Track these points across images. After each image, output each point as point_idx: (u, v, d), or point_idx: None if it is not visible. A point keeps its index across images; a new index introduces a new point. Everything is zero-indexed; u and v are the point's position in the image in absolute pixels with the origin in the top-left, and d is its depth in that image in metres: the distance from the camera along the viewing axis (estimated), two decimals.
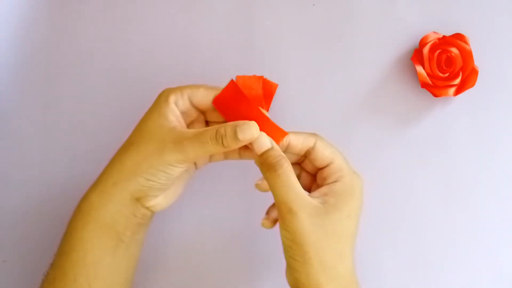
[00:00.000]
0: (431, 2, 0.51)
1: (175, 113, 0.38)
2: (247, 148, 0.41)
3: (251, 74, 0.50)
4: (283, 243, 0.36)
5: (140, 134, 0.38)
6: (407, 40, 0.51)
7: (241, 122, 0.37)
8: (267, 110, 0.49)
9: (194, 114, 0.41)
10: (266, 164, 0.36)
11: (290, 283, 0.37)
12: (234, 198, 0.49)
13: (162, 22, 0.52)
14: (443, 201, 0.48)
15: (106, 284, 0.38)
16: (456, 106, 0.50)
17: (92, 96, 0.51)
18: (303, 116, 0.50)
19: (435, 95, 0.48)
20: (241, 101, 0.39)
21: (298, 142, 0.39)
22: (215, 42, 0.51)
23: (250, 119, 0.37)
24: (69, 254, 0.37)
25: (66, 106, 0.51)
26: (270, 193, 0.38)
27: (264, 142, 0.37)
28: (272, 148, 0.37)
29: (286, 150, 0.39)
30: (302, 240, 0.34)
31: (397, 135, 0.49)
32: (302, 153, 0.40)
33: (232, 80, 0.39)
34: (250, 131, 0.36)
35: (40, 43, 0.52)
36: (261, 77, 0.50)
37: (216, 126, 0.37)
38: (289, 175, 0.36)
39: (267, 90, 0.50)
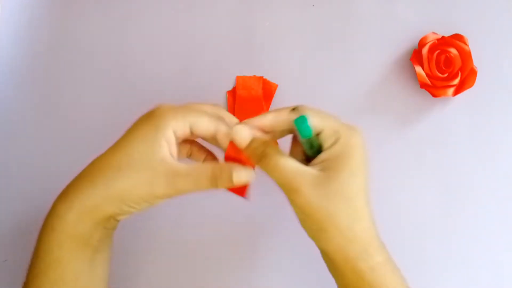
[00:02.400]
0: (430, 3, 0.51)
1: (170, 141, 0.36)
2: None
3: (251, 74, 0.50)
4: (297, 217, 0.37)
5: (128, 158, 0.35)
6: (406, 41, 0.51)
7: (237, 167, 0.36)
8: (267, 110, 0.50)
9: (184, 139, 0.38)
10: (253, 157, 0.35)
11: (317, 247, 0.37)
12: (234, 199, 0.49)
13: (162, 23, 0.52)
14: (442, 200, 0.48)
15: None
16: (455, 106, 0.50)
17: (92, 96, 0.51)
18: None
19: (434, 95, 0.48)
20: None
21: (278, 123, 0.36)
22: (215, 42, 0.51)
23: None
24: (46, 274, 0.36)
25: (66, 106, 0.51)
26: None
27: (244, 135, 0.35)
28: (253, 140, 0.35)
29: (270, 132, 0.37)
30: (312, 211, 0.34)
31: (396, 135, 0.50)
32: (287, 133, 0.38)
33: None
34: (245, 177, 0.36)
35: (41, 43, 0.52)
36: (261, 78, 0.50)
37: (211, 166, 0.35)
38: (277, 159, 0.34)
39: (267, 90, 0.50)
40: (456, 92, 0.49)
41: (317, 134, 0.36)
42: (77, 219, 0.36)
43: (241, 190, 0.38)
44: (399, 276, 0.36)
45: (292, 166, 0.35)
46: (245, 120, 0.37)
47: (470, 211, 0.48)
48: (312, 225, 0.35)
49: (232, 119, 0.39)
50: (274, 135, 0.37)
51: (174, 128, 0.35)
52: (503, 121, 0.49)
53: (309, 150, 0.37)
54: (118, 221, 0.39)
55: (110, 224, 0.38)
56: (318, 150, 0.36)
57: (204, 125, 0.36)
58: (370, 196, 0.36)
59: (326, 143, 0.36)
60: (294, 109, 0.34)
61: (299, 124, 0.33)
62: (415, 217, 0.48)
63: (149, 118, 0.36)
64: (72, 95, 0.51)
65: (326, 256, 0.36)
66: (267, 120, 0.36)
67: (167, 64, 0.51)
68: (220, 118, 0.38)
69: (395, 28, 0.51)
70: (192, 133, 0.37)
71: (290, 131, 0.37)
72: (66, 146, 0.50)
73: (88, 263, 0.37)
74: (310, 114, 0.35)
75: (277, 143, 0.38)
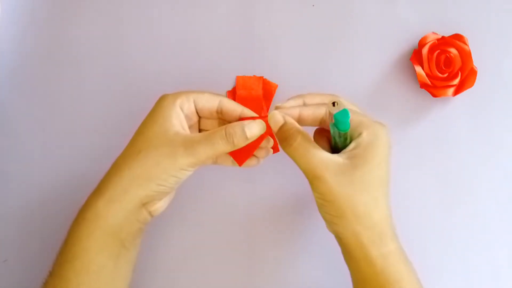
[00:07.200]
0: (430, 3, 0.51)
1: (179, 116, 0.39)
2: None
3: (251, 74, 0.50)
4: (316, 202, 0.38)
5: (146, 140, 0.38)
6: (406, 41, 0.51)
7: (247, 121, 0.38)
8: (267, 110, 0.50)
9: (194, 119, 0.41)
10: (282, 139, 0.37)
11: (331, 231, 0.39)
12: (234, 198, 0.49)
13: (162, 23, 0.52)
14: (442, 200, 0.48)
15: None
16: (455, 106, 0.50)
17: (92, 96, 0.51)
18: None
19: (434, 96, 0.48)
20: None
21: (308, 116, 0.39)
22: (215, 42, 0.51)
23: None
24: (71, 263, 0.37)
25: (66, 106, 0.51)
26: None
27: (278, 119, 0.38)
28: (285, 123, 0.38)
29: (299, 123, 0.39)
30: (333, 198, 0.36)
31: (396, 135, 0.49)
32: (317, 123, 0.40)
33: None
34: (257, 128, 0.38)
35: (41, 43, 0.52)
36: (261, 77, 0.50)
37: (223, 127, 0.38)
38: (305, 145, 0.36)
39: (267, 90, 0.50)
40: (456, 92, 0.49)
41: None
42: (107, 207, 0.37)
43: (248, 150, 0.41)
44: (409, 266, 0.38)
45: (317, 153, 0.36)
46: (284, 105, 0.40)
47: (470, 210, 0.48)
48: (331, 211, 0.37)
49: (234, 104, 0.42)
50: (303, 125, 0.39)
51: (180, 104, 0.39)
52: (503, 121, 0.49)
53: (339, 143, 0.38)
54: (150, 214, 0.39)
55: (142, 216, 0.38)
56: (345, 142, 0.38)
57: (206, 98, 0.40)
58: (389, 189, 0.38)
59: (354, 134, 0.38)
60: (334, 103, 0.35)
61: (340, 118, 0.34)
62: (415, 216, 0.48)
63: (156, 105, 0.40)
64: (72, 95, 0.51)
65: (341, 241, 0.38)
66: (307, 111, 0.39)
67: (167, 64, 0.51)
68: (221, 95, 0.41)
69: (395, 28, 0.51)
70: (197, 109, 0.40)
71: (319, 123, 0.40)
72: (67, 146, 0.50)
73: (113, 258, 0.38)
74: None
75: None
